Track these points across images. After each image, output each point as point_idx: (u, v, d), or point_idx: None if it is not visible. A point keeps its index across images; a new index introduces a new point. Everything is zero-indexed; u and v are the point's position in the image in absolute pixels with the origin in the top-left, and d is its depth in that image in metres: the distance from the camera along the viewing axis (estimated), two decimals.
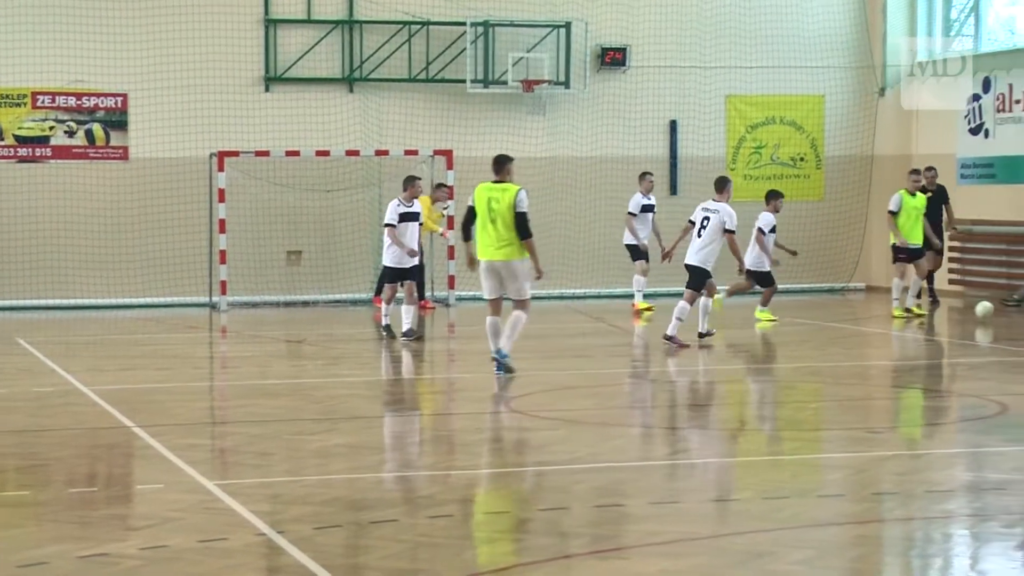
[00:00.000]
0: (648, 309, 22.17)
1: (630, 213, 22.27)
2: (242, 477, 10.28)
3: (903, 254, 21.26)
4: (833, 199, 26.48)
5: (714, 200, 17.94)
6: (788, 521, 8.76)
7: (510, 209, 14.81)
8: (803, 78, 26.51)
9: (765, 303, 20.65)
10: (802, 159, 26.68)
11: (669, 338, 17.67)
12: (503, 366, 14.93)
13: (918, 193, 21.41)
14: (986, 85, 24.72)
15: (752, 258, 20.31)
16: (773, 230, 20.70)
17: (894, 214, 21.24)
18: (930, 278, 22.64)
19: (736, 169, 26.38)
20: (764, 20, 26.29)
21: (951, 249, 24.65)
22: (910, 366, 17.53)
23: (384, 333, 18.88)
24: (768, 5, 26.28)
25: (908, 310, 21.26)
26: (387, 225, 18.73)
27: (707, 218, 17.81)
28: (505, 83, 25.08)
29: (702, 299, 17.98)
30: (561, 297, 25.42)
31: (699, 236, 17.83)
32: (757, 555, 7.91)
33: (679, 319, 17.63)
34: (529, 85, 25.04)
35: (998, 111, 24.52)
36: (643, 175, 22.63)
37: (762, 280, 20.59)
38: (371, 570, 7.74)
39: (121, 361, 17.55)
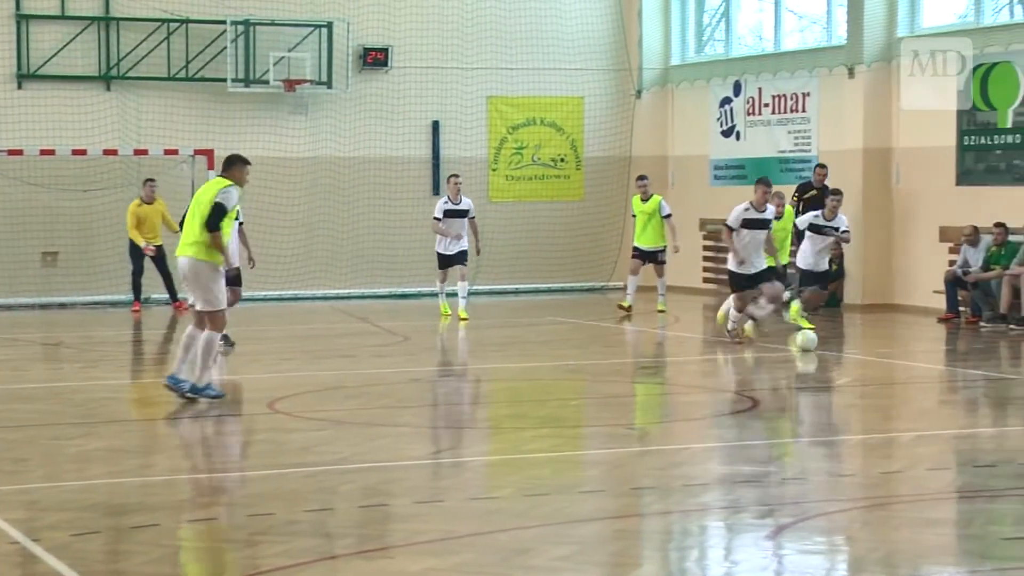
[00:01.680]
0: (463, 319, 20.98)
1: (435, 218, 21.34)
2: None
3: (635, 253, 22.30)
4: (593, 199, 26.92)
5: None
6: (549, 517, 8.92)
7: (209, 203, 13.43)
8: (563, 80, 26.90)
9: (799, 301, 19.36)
10: (562, 160, 27.07)
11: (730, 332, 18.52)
12: (192, 390, 13.35)
13: (653, 196, 22.12)
14: (737, 89, 25.44)
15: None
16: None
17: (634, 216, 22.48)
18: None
19: (498, 170, 26.64)
20: (524, 22, 26.59)
21: (705, 248, 25.35)
22: (666, 363, 17.97)
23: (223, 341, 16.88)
24: (528, 8, 26.59)
25: (627, 307, 21.76)
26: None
27: None
28: (267, 82, 24.88)
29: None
30: (325, 298, 25.35)
31: None
32: (519, 551, 8.04)
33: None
34: (291, 85, 24.89)
35: (748, 114, 25.26)
36: (449, 177, 21.89)
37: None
38: None
39: None
